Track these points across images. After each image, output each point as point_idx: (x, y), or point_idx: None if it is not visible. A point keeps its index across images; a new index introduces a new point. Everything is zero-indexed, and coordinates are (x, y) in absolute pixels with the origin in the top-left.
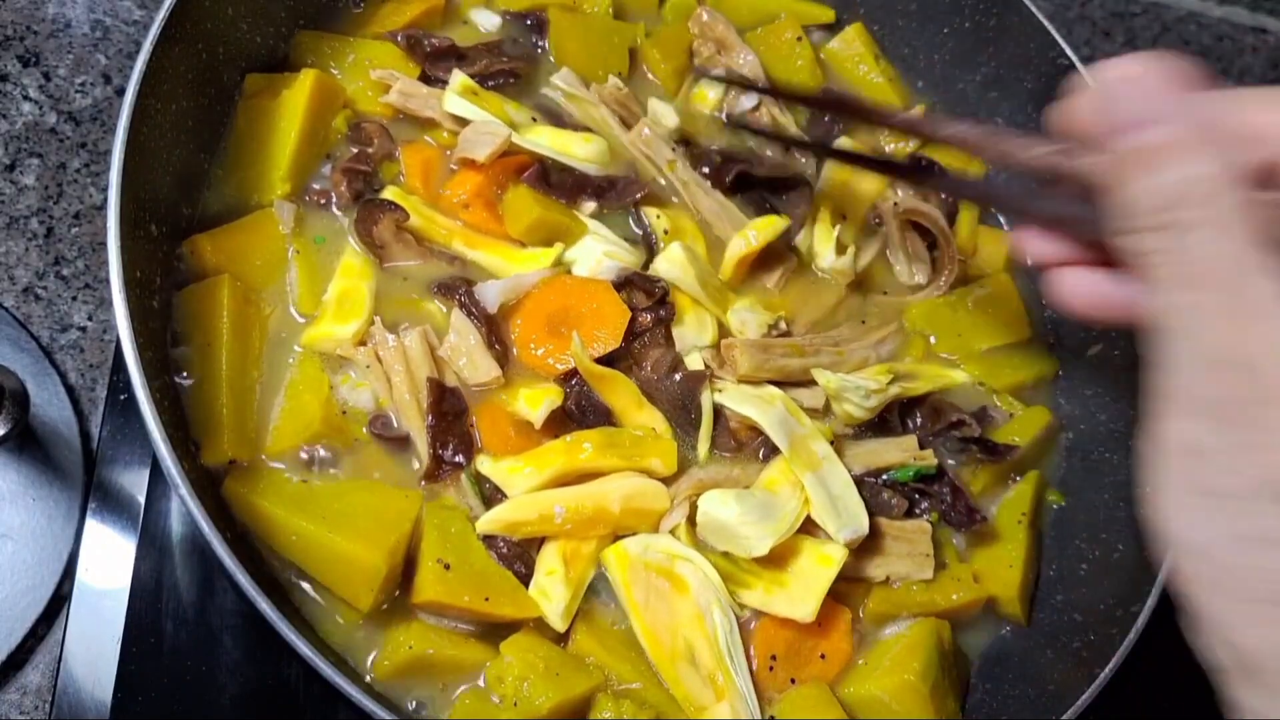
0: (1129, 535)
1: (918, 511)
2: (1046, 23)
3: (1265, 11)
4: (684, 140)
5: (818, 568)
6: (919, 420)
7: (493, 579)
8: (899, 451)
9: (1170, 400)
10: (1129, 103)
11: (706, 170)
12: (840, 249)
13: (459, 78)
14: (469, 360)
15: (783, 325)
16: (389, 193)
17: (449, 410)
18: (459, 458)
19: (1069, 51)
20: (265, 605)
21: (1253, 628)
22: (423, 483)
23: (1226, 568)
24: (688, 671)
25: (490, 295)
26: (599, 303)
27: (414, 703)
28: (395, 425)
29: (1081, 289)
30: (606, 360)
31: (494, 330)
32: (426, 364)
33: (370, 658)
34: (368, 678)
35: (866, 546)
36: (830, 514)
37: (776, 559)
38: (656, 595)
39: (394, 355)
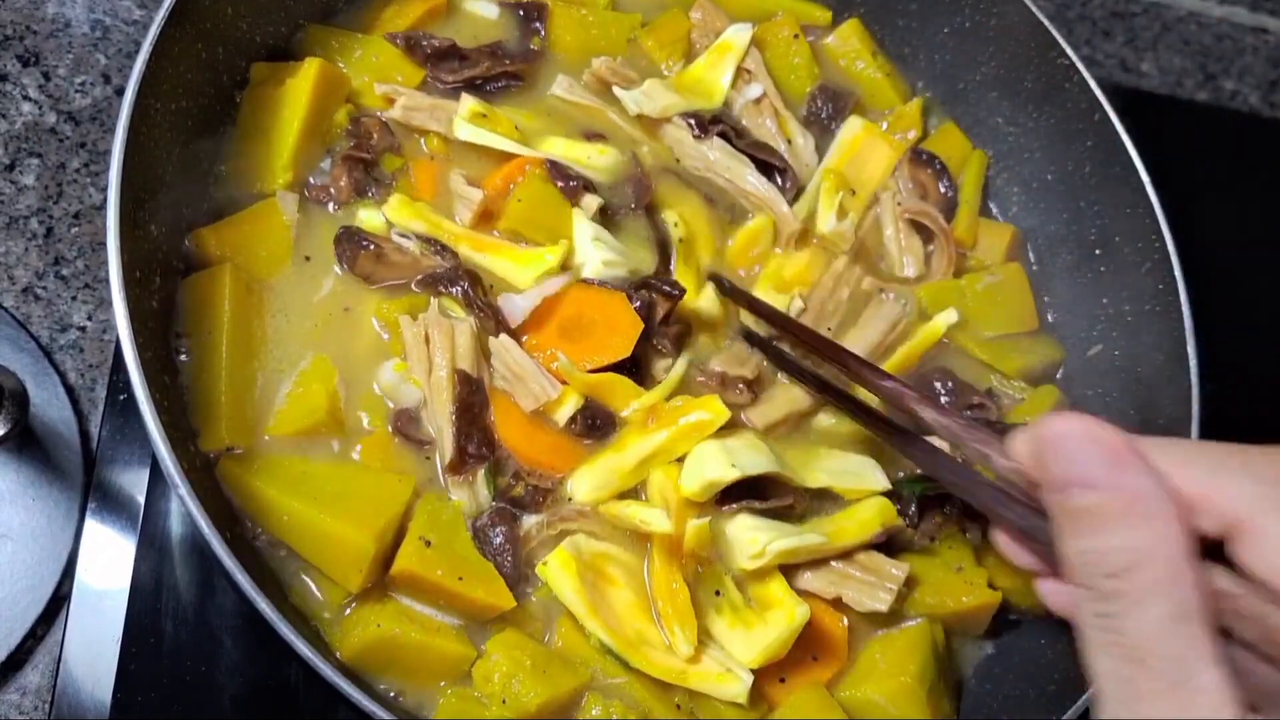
0: None
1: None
2: (1047, 23)
3: (1265, 11)
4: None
5: (781, 619)
6: (949, 387)
7: (472, 564)
8: None
9: None
10: (1067, 460)
11: (693, 122)
12: (841, 214)
13: (468, 103)
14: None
15: (799, 303)
16: (396, 201)
17: (474, 403)
18: (483, 450)
19: (1069, 51)
20: (265, 605)
21: None
22: (445, 476)
23: None
24: (651, 653)
25: (517, 309)
26: (611, 312)
27: (392, 694)
28: (419, 427)
29: (1060, 599)
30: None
31: (509, 337)
32: (469, 360)
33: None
34: (337, 654)
35: (824, 565)
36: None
37: (757, 598)
38: (598, 593)
39: (443, 337)
